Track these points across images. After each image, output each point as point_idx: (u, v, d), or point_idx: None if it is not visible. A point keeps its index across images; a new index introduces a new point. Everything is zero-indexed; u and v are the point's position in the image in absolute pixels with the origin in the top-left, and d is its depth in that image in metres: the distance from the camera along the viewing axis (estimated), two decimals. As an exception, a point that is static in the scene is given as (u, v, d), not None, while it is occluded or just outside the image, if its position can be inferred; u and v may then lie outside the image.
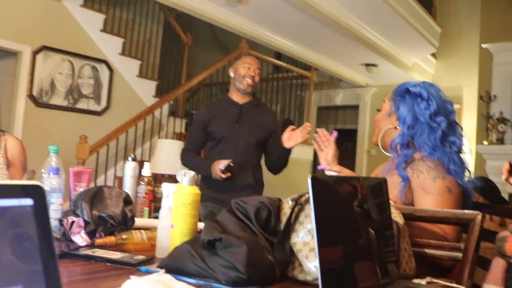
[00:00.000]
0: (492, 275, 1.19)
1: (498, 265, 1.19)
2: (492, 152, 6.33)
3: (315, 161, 7.09)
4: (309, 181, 0.77)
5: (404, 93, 1.57)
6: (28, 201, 0.48)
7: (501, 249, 1.18)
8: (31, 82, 4.59)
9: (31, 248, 0.46)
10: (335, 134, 1.79)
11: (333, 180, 0.91)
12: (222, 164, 2.52)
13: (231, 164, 2.54)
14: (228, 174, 2.55)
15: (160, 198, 1.75)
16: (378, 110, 1.73)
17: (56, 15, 4.76)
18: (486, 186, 3.08)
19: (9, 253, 0.44)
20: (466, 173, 1.49)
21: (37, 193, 0.49)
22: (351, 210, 0.93)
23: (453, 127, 1.55)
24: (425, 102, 1.52)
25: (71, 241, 1.23)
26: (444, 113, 1.52)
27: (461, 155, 1.52)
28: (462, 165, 1.48)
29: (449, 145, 1.50)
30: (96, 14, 5.16)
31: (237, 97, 2.83)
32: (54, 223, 1.27)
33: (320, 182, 0.81)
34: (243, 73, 2.76)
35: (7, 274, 0.44)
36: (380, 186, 1.06)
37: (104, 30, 5.24)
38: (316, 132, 1.83)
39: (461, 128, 1.59)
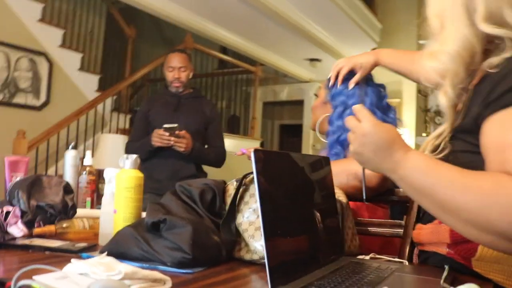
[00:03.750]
0: None
1: None
2: (430, 144, 6.60)
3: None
4: (252, 154, 0.77)
5: None
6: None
7: None
8: (-39, 74, 4.33)
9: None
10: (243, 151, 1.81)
11: (276, 155, 0.91)
12: (166, 124, 2.51)
13: (178, 131, 2.52)
14: (172, 138, 2.52)
15: (103, 195, 1.70)
16: (316, 95, 1.76)
17: (-12, 3, 4.51)
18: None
19: None
20: None
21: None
22: (295, 186, 0.93)
23: (386, 111, 1.61)
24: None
25: (7, 232, 1.16)
26: (377, 97, 1.58)
27: None
28: None
29: None
30: (33, 3, 4.90)
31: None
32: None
33: (262, 155, 0.81)
34: (169, 78, 2.84)
35: None
36: (323, 164, 1.07)
37: (42, 20, 5.00)
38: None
39: (395, 111, 1.64)
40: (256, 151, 0.78)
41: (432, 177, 0.80)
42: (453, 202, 0.77)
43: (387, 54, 1.53)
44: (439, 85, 0.96)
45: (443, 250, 1.01)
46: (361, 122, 0.87)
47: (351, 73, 1.55)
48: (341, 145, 1.54)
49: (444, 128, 0.97)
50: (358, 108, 0.90)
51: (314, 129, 1.70)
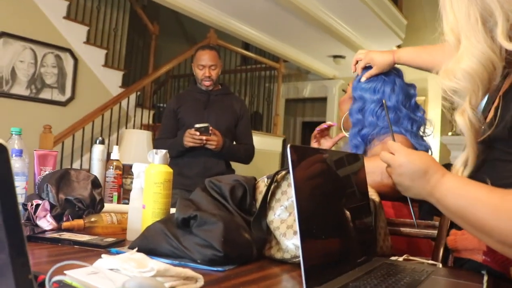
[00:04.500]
0: None
1: None
2: (456, 143, 6.46)
3: (284, 152, 7.10)
4: (288, 150, 0.75)
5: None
6: (-11, 160, 0.43)
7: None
8: (-10, 70, 4.40)
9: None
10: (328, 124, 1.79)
11: (312, 151, 0.88)
12: (197, 124, 2.51)
13: (210, 130, 2.52)
14: (204, 136, 2.52)
15: (128, 189, 1.70)
16: (344, 91, 1.76)
17: (16, 0, 4.57)
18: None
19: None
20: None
21: (-1, 152, 0.44)
22: (329, 183, 0.90)
23: (414, 110, 1.59)
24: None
25: (36, 225, 1.16)
26: (405, 96, 1.57)
27: (420, 133, 1.58)
28: (418, 139, 1.54)
29: (410, 124, 1.54)
30: (59, 1, 4.97)
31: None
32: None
33: (299, 151, 0.79)
34: (199, 76, 2.82)
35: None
36: (356, 161, 1.04)
37: (67, 17, 5.06)
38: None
39: (424, 111, 1.62)
40: (292, 147, 0.76)
41: (464, 200, 0.81)
42: (485, 224, 0.77)
43: (405, 52, 1.52)
44: (457, 105, 0.92)
45: (479, 257, 0.98)
46: (395, 155, 0.91)
47: (369, 66, 1.57)
48: (362, 138, 1.54)
49: (467, 154, 0.94)
50: (390, 143, 0.94)
51: (340, 126, 1.69)
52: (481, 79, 0.87)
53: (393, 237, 1.30)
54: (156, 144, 2.84)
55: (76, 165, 4.77)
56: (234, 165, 2.96)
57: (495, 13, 0.83)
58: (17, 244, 0.43)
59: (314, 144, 1.77)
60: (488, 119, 0.92)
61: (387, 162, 0.93)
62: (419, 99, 7.13)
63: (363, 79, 1.56)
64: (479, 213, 0.78)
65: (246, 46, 7.15)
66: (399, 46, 7.29)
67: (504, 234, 0.74)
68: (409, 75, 1.64)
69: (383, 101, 1.48)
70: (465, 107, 0.90)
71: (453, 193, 0.83)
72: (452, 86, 0.90)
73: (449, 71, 0.90)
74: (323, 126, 1.74)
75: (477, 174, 0.91)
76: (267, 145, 6.20)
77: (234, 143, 2.87)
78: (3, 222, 0.42)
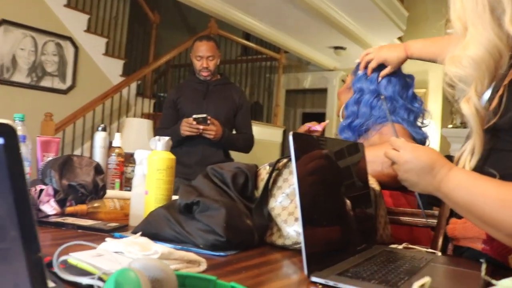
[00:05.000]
0: None
1: None
2: (456, 135, 6.47)
3: (284, 143, 7.11)
4: (290, 137, 0.75)
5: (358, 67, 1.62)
6: (-1, 140, 0.44)
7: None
8: (-9, 57, 4.39)
9: (3, 187, 0.43)
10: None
11: (314, 140, 0.89)
12: (195, 115, 2.53)
13: (208, 120, 2.53)
14: (201, 126, 2.54)
15: (128, 178, 1.70)
16: (343, 81, 1.76)
17: (16, -12, 4.56)
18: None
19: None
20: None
21: (8, 133, 0.45)
22: (330, 172, 0.91)
23: (411, 100, 1.60)
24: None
25: (40, 210, 1.17)
26: (402, 86, 1.58)
27: (418, 123, 1.59)
28: (415, 128, 1.55)
29: (407, 114, 1.55)
30: (58, -12, 4.95)
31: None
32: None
33: (301, 138, 0.80)
34: (197, 67, 2.83)
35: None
36: (358, 150, 1.05)
37: (68, 5, 5.03)
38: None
39: (421, 102, 1.62)
40: (294, 134, 0.76)
41: (472, 194, 0.82)
42: (494, 218, 0.78)
43: (416, 47, 1.51)
44: (462, 92, 0.92)
45: (478, 246, 0.99)
46: (400, 151, 0.91)
47: (381, 65, 1.56)
48: (352, 130, 1.56)
49: (474, 141, 0.94)
50: (393, 140, 0.94)
51: (339, 115, 1.70)
52: (487, 67, 0.87)
53: (393, 226, 1.31)
54: (157, 134, 2.86)
55: (77, 152, 4.78)
56: (233, 154, 2.97)
57: (503, 0, 0.84)
58: (27, 222, 0.44)
59: None
60: (491, 107, 0.92)
61: (392, 159, 0.93)
62: (420, 91, 7.13)
63: (379, 79, 1.56)
64: (488, 207, 0.78)
65: (247, 36, 7.13)
66: (400, 38, 7.27)
67: None
68: (410, 67, 1.64)
69: (382, 97, 1.49)
70: (470, 94, 0.90)
71: (461, 187, 0.83)
72: (458, 73, 0.90)
73: (455, 58, 0.90)
74: (311, 128, 1.75)
75: (484, 165, 0.92)
76: (267, 135, 6.21)
77: (234, 132, 2.88)
78: (14, 202, 0.43)
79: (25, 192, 0.45)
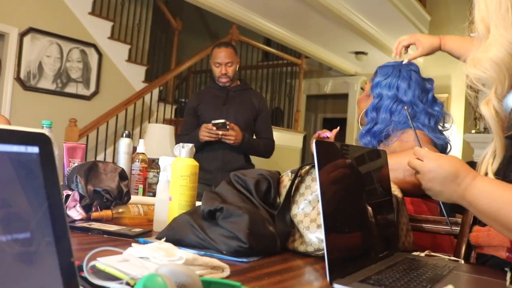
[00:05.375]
0: None
1: None
2: (479, 141, 6.37)
3: (305, 148, 7.10)
4: (314, 145, 0.76)
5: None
6: (35, 149, 0.46)
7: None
8: (18, 64, 4.51)
9: (39, 194, 0.45)
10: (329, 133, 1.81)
11: (337, 147, 0.90)
12: (214, 120, 2.54)
13: (228, 125, 2.55)
14: (220, 131, 2.56)
15: (151, 183, 1.73)
16: (362, 89, 1.76)
17: (43, -3, 4.68)
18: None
19: (18, 198, 0.43)
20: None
21: (43, 142, 0.47)
22: (353, 179, 0.92)
23: (431, 104, 1.58)
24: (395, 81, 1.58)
25: (66, 215, 1.20)
26: (421, 90, 1.57)
27: (439, 127, 1.58)
28: (436, 133, 1.54)
29: (427, 118, 1.54)
30: (84, -3, 5.07)
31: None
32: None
33: (324, 146, 0.80)
34: (216, 74, 2.85)
35: (15, 220, 0.42)
36: (380, 157, 1.05)
37: (92, 13, 5.15)
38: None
39: (442, 105, 1.61)
40: (317, 142, 0.77)
41: (497, 202, 0.81)
42: None
43: (451, 40, 1.50)
44: (483, 95, 0.92)
45: (503, 254, 0.98)
46: (423, 161, 0.92)
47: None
48: (372, 136, 1.55)
49: (495, 144, 0.93)
50: (416, 149, 0.95)
51: (359, 123, 1.70)
52: (508, 69, 0.86)
53: (415, 233, 1.31)
54: (178, 141, 2.89)
55: (100, 157, 4.86)
56: (254, 160, 2.98)
57: None
58: (61, 228, 0.46)
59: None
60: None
61: (416, 169, 0.93)
62: (442, 96, 7.04)
63: (406, 61, 1.55)
64: None
65: (268, 42, 7.15)
66: (422, 43, 7.19)
67: None
68: (432, 72, 1.64)
69: (405, 107, 1.49)
70: (490, 97, 0.89)
71: (485, 196, 0.83)
72: (478, 74, 0.90)
73: (475, 60, 0.90)
74: (321, 135, 1.76)
75: (507, 172, 0.91)
76: (288, 141, 6.21)
77: (254, 137, 2.89)
78: (48, 207, 0.45)
79: (59, 199, 0.47)
